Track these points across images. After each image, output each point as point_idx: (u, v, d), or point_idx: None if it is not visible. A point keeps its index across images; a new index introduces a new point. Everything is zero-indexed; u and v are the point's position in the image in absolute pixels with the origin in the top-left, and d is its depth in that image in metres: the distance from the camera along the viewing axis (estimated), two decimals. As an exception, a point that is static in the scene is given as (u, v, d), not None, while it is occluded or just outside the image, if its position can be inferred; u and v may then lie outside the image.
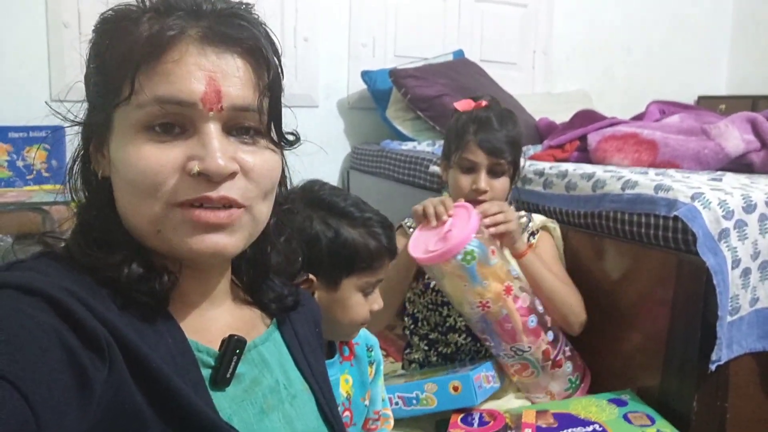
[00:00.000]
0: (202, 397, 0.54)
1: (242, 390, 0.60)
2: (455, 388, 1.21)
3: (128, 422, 0.49)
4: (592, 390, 1.34)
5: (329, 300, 0.94)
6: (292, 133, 0.65)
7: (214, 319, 0.62)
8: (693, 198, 1.17)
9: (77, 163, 0.60)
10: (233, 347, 0.59)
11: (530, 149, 1.91)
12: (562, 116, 2.30)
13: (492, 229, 1.24)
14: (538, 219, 1.43)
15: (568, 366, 1.31)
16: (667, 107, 1.99)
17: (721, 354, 1.13)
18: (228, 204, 0.55)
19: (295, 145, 0.66)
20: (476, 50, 3.00)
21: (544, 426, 1.16)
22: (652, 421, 1.15)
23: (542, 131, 2.29)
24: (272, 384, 0.63)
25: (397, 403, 1.23)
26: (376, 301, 0.99)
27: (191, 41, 0.53)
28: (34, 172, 2.25)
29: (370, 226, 0.95)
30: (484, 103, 1.40)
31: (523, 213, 1.44)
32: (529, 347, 1.25)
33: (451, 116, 1.45)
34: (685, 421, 1.15)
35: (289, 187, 0.69)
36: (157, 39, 0.52)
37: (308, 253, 0.78)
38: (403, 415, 1.23)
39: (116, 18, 0.55)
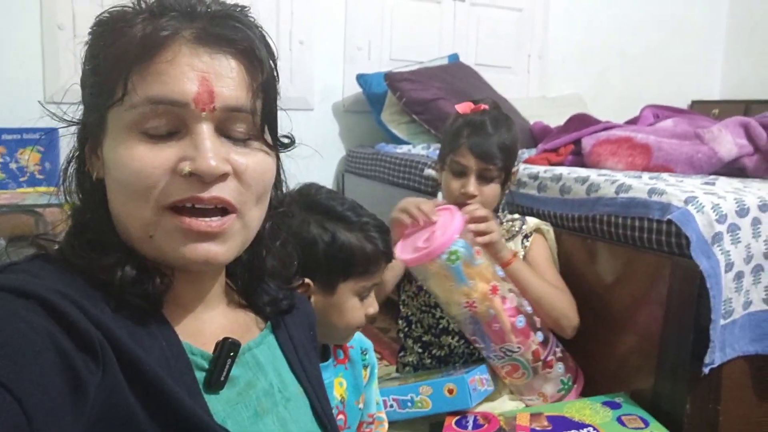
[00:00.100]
0: (196, 400, 0.54)
1: (236, 393, 0.60)
2: (450, 391, 1.22)
3: (122, 425, 0.49)
4: (586, 393, 1.34)
5: (325, 304, 0.94)
6: (286, 136, 0.65)
7: (208, 322, 0.62)
8: (686, 202, 1.18)
9: (72, 164, 0.60)
10: (227, 350, 0.58)
11: (525, 153, 1.91)
12: (556, 120, 2.30)
13: (478, 239, 1.24)
14: (532, 222, 1.43)
15: (559, 367, 1.31)
16: (661, 111, 2.00)
17: (715, 357, 1.13)
18: (220, 204, 0.54)
19: (290, 148, 0.66)
20: (471, 54, 3.01)
21: (538, 429, 1.16)
22: (646, 424, 1.16)
23: (537, 135, 2.29)
24: (266, 387, 0.63)
25: (391, 406, 1.23)
26: (372, 305, 0.99)
27: (185, 42, 0.53)
28: (28, 174, 2.24)
29: (367, 230, 0.95)
30: (483, 106, 1.39)
31: (516, 216, 1.44)
32: (519, 347, 1.26)
33: (451, 119, 1.43)
34: (678, 424, 1.16)
35: (284, 191, 0.69)
36: (151, 39, 0.52)
37: (305, 257, 0.78)
38: (398, 417, 1.23)
39: (111, 20, 0.55)
